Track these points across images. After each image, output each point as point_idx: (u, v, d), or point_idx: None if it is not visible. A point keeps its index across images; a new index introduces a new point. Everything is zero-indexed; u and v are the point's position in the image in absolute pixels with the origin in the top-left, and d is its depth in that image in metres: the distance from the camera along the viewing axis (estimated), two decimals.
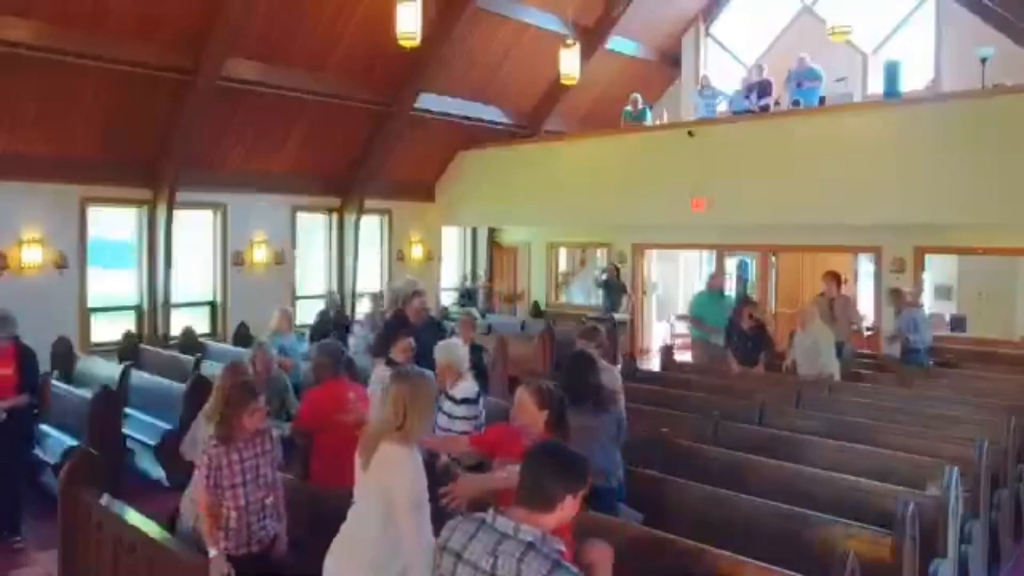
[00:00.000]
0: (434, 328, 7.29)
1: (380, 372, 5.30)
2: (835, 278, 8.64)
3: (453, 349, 5.04)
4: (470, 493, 3.36)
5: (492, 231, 14.79)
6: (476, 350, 6.77)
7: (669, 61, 14.57)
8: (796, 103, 10.52)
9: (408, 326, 6.61)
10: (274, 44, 9.74)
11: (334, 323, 10.06)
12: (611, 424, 4.37)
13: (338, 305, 11.09)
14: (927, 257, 10.17)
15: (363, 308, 11.28)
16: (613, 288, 12.42)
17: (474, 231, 14.74)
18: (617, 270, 12.56)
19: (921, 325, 8.19)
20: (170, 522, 4.06)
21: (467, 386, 4.94)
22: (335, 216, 12.44)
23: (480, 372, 6.48)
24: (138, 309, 10.28)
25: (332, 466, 4.18)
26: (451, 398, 4.86)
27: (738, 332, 8.13)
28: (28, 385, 5.60)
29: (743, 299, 8.78)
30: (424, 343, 5.59)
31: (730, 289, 13.79)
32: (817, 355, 7.35)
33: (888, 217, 8.99)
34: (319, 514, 3.85)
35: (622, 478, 4.38)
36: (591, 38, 12.51)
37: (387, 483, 2.89)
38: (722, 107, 11.83)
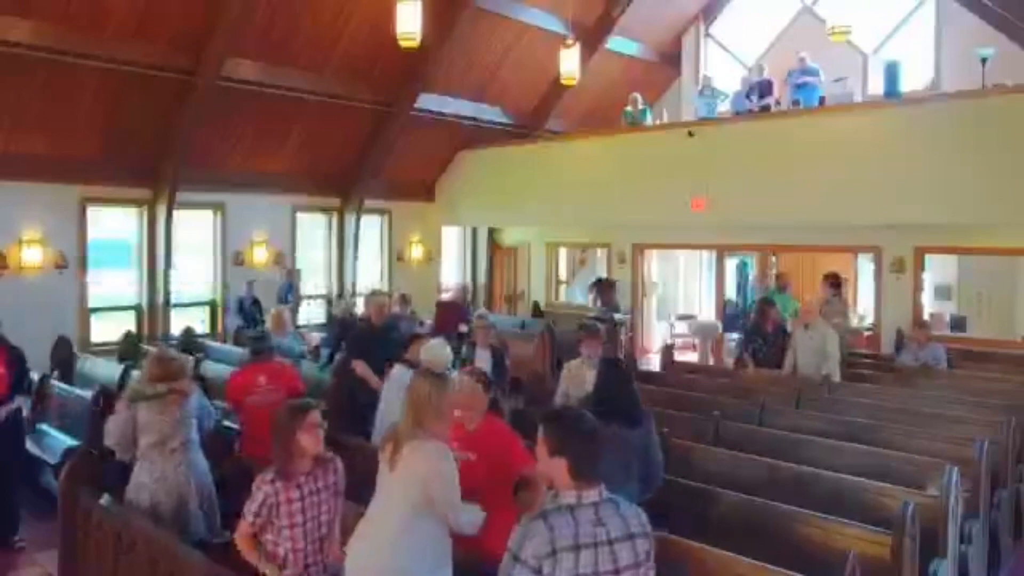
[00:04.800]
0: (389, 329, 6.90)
1: (396, 374, 5.39)
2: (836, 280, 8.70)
3: (437, 349, 5.17)
4: None
5: (492, 231, 14.77)
6: (496, 353, 6.75)
7: (669, 61, 14.56)
8: (796, 103, 10.51)
9: (372, 329, 6.70)
10: (274, 44, 9.74)
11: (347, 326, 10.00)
12: (642, 439, 4.05)
13: (352, 309, 11.01)
14: (927, 257, 10.16)
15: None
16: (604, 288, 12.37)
17: (474, 231, 14.72)
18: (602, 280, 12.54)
19: (942, 359, 8.18)
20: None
21: None
22: (335, 216, 12.44)
23: (499, 373, 6.46)
24: (138, 309, 10.29)
25: (252, 439, 5.07)
26: None
27: (762, 335, 7.98)
28: (20, 384, 5.59)
29: (764, 300, 8.61)
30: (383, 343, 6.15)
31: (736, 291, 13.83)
32: (824, 355, 7.27)
33: (888, 217, 8.97)
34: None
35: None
36: (591, 38, 12.50)
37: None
38: (723, 107, 11.82)
